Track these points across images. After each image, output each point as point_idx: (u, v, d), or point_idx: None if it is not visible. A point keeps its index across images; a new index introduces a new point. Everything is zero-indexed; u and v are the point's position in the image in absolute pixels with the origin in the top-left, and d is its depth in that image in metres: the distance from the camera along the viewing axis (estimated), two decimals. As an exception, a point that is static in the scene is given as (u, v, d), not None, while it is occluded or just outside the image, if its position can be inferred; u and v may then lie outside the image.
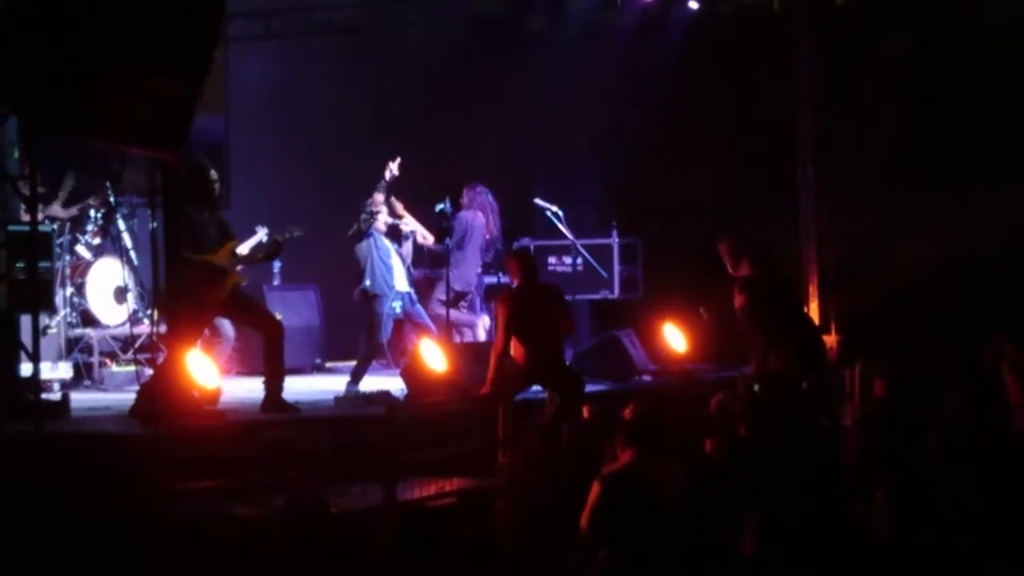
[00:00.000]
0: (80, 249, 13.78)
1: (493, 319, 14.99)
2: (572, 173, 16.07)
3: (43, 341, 10.93)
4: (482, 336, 14.30)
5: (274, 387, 10.96)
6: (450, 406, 10.96)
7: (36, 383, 9.87)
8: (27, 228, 10.13)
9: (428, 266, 14.81)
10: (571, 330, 11.82)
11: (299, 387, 12.36)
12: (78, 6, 9.13)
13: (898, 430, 8.89)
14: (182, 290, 10.41)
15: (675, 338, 13.82)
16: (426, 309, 13.59)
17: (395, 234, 13.72)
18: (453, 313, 13.62)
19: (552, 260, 15.03)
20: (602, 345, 13.55)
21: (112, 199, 13.90)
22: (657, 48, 16.16)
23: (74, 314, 13.52)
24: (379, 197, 13.09)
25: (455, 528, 8.55)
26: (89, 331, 13.57)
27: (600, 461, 8.56)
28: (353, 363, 12.88)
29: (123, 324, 13.59)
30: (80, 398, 11.65)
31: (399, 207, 13.66)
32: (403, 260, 13.45)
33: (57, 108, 9.30)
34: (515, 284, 11.31)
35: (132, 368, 13.07)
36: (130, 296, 13.64)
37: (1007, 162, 14.52)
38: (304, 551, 7.09)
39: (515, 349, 11.02)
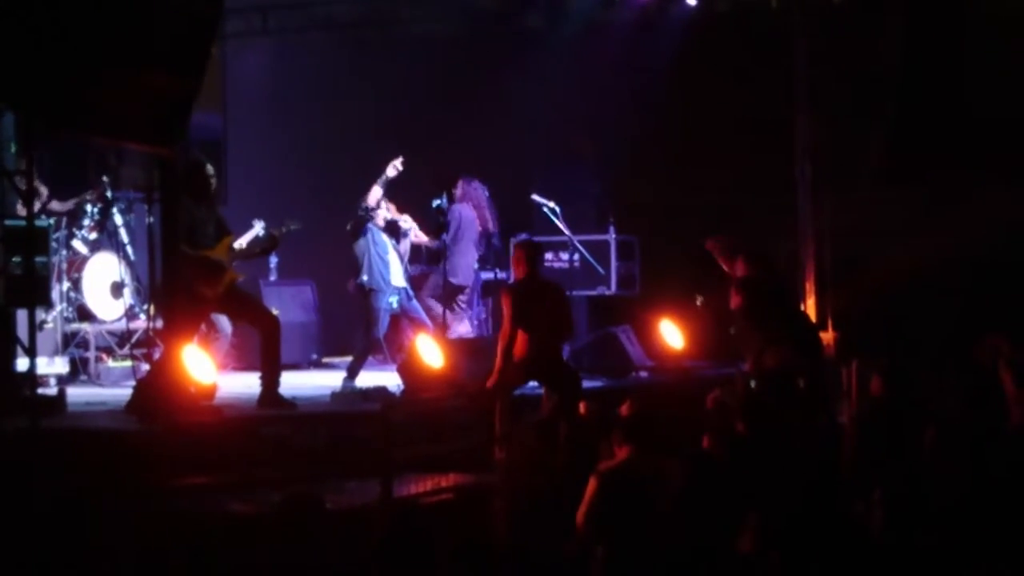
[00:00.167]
0: (77, 244, 13.77)
1: (490, 314, 15.05)
2: (570, 169, 16.07)
3: (39, 336, 10.90)
4: (468, 331, 14.31)
5: (271, 383, 10.96)
6: (446, 402, 10.96)
7: (32, 378, 9.85)
8: (23, 223, 10.11)
9: (425, 262, 14.81)
10: (570, 334, 11.76)
11: (296, 383, 12.36)
12: (76, 1, 9.12)
13: (895, 427, 8.88)
14: (179, 286, 10.39)
15: (672, 335, 13.81)
16: (422, 304, 13.59)
17: (393, 230, 13.71)
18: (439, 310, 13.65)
19: (549, 256, 15.02)
20: (599, 342, 13.56)
21: (109, 194, 13.88)
22: (655, 45, 16.17)
23: (70, 309, 13.51)
24: (377, 191, 13.06)
25: (451, 524, 8.54)
26: (85, 326, 13.55)
27: (597, 458, 8.56)
28: (349, 358, 12.88)
29: (119, 319, 13.57)
30: (76, 393, 11.64)
31: (392, 208, 13.63)
32: (400, 256, 13.44)
33: (54, 103, 9.29)
34: (520, 276, 11.22)
35: (128, 363, 13.07)
36: (127, 291, 13.62)
37: (1004, 160, 14.52)
38: (299, 547, 7.07)
39: (517, 345, 10.97)
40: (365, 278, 12.85)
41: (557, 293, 11.35)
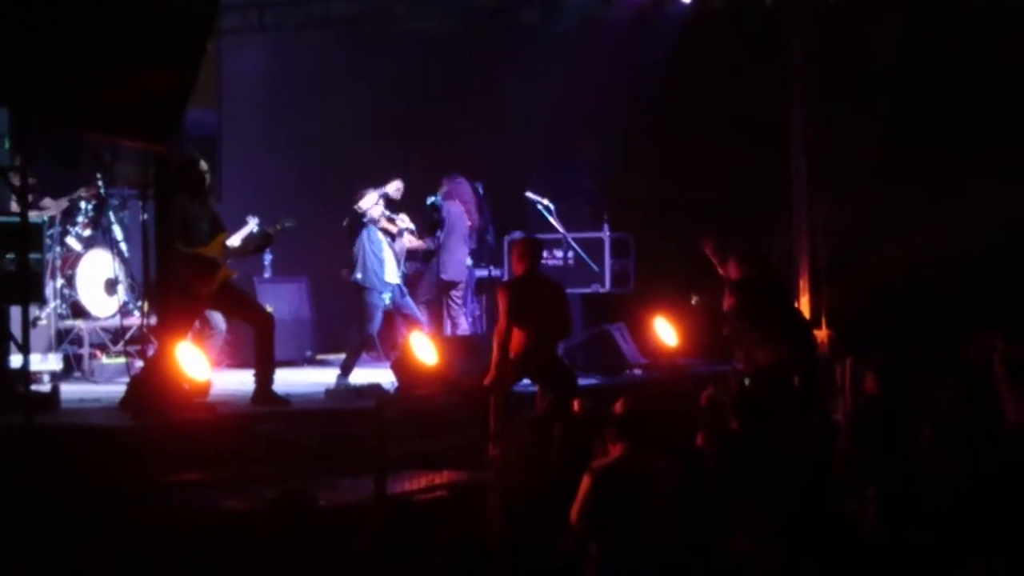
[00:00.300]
0: (71, 241, 13.76)
1: (484, 311, 15.05)
2: (564, 167, 16.06)
3: (33, 333, 10.90)
4: (465, 328, 14.31)
5: (265, 380, 10.96)
6: (440, 399, 10.95)
7: (26, 375, 9.85)
8: (17, 219, 10.10)
9: (421, 260, 14.81)
10: (568, 332, 11.73)
11: (290, 379, 12.36)
12: (70, -2, 9.13)
13: (890, 425, 8.88)
14: (173, 282, 10.38)
15: (666, 332, 13.79)
16: (416, 302, 13.59)
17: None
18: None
19: (543, 254, 15.00)
20: (593, 339, 13.55)
21: (103, 191, 13.87)
22: (650, 42, 16.15)
23: (64, 306, 13.49)
24: (373, 197, 13.03)
25: (445, 521, 8.54)
26: (79, 323, 13.54)
27: (591, 455, 8.55)
28: (343, 355, 12.88)
29: (113, 316, 13.58)
30: (70, 390, 11.63)
31: (390, 220, 13.62)
32: (395, 254, 13.43)
33: (48, 99, 9.28)
34: (519, 272, 11.19)
35: (122, 360, 13.05)
36: (120, 288, 13.62)
37: (999, 158, 14.52)
38: (293, 544, 7.07)
39: (513, 341, 10.95)
40: (359, 276, 12.84)
41: (556, 290, 11.31)
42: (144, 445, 9.17)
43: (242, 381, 11.66)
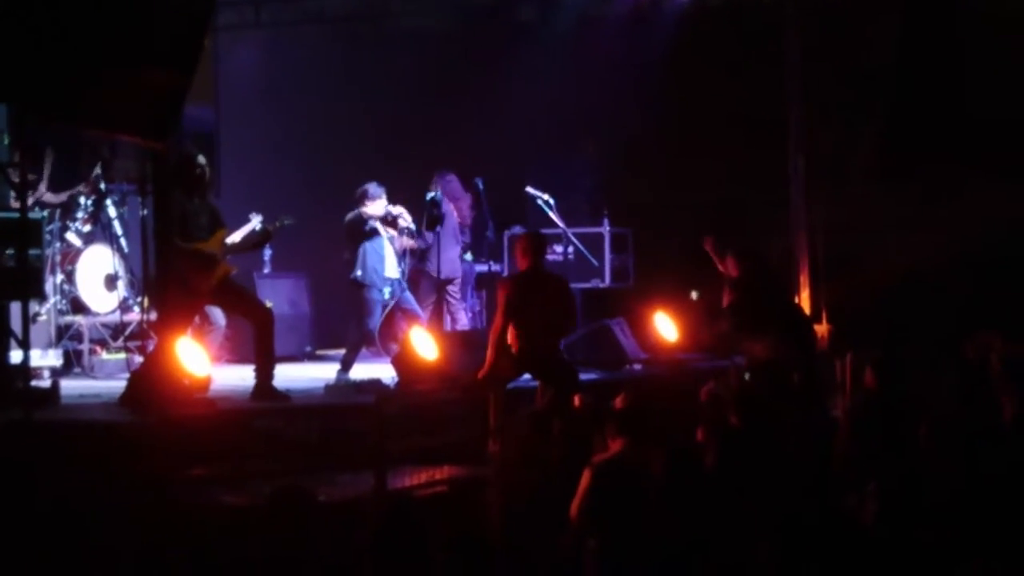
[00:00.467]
0: (70, 236, 13.75)
1: (484, 306, 15.06)
2: (563, 162, 16.06)
3: (33, 329, 10.89)
4: (464, 323, 14.31)
5: (265, 375, 10.96)
6: (440, 395, 10.95)
7: (26, 371, 9.85)
8: (17, 215, 10.10)
9: (418, 260, 14.80)
10: (572, 328, 11.71)
11: (289, 375, 12.37)
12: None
13: (889, 420, 8.89)
14: (172, 278, 10.39)
15: (666, 327, 13.81)
16: (415, 297, 13.60)
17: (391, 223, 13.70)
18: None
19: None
20: (593, 334, 13.55)
21: (102, 186, 13.87)
22: (648, 40, 16.16)
23: (64, 301, 13.49)
24: (381, 207, 13.00)
25: (445, 517, 8.54)
26: (79, 319, 13.54)
27: (591, 450, 8.55)
28: (343, 351, 12.88)
29: (113, 312, 13.58)
30: (70, 386, 11.64)
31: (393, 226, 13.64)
32: (395, 250, 13.42)
33: (47, 96, 9.28)
34: (522, 267, 11.18)
35: (122, 356, 13.06)
36: (120, 284, 13.63)
37: (998, 157, 14.53)
38: (292, 539, 7.08)
39: (511, 336, 10.94)
40: (359, 273, 12.83)
41: (560, 285, 11.26)
42: (144, 441, 9.18)
43: (242, 377, 11.66)
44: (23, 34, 8.99)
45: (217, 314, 12.92)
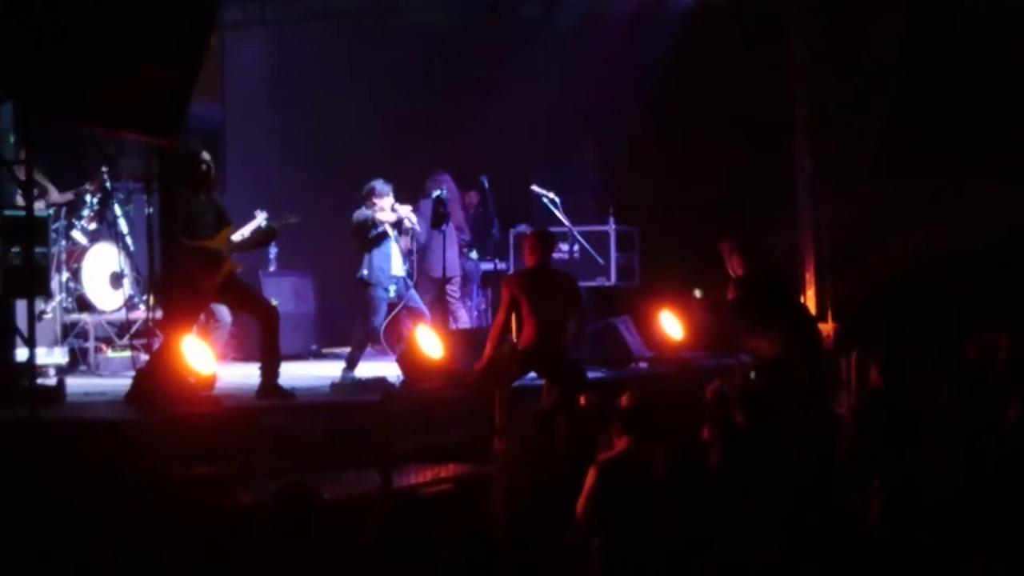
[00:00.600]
0: (76, 234, 13.76)
1: (490, 305, 15.07)
2: (569, 160, 16.06)
3: (39, 327, 10.91)
4: (466, 321, 14.32)
5: (270, 373, 10.95)
6: (446, 393, 10.95)
7: (32, 368, 9.86)
8: (23, 213, 10.11)
9: (418, 259, 14.81)
10: (581, 328, 11.69)
11: (295, 373, 12.36)
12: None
13: (894, 419, 8.88)
14: (177, 276, 10.39)
15: (671, 325, 13.80)
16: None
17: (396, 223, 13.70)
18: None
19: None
20: (598, 332, 13.54)
21: (108, 184, 13.88)
22: (653, 38, 16.16)
23: (70, 299, 13.51)
24: (391, 215, 13.00)
25: (450, 515, 8.54)
26: (85, 317, 13.55)
27: (596, 449, 8.56)
28: (348, 349, 12.88)
29: (119, 310, 13.58)
30: (76, 384, 11.64)
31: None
32: (401, 249, 13.41)
33: (53, 94, 9.29)
34: (529, 265, 11.18)
35: (128, 354, 13.08)
36: (126, 282, 13.63)
37: (1002, 153, 14.53)
38: (298, 537, 7.08)
39: (519, 334, 10.93)
40: (365, 272, 12.83)
41: (567, 284, 11.26)
42: (149, 439, 9.18)
43: (247, 374, 11.66)
44: (26, 32, 9.00)
45: (222, 312, 12.92)
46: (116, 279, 13.62)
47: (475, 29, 16.75)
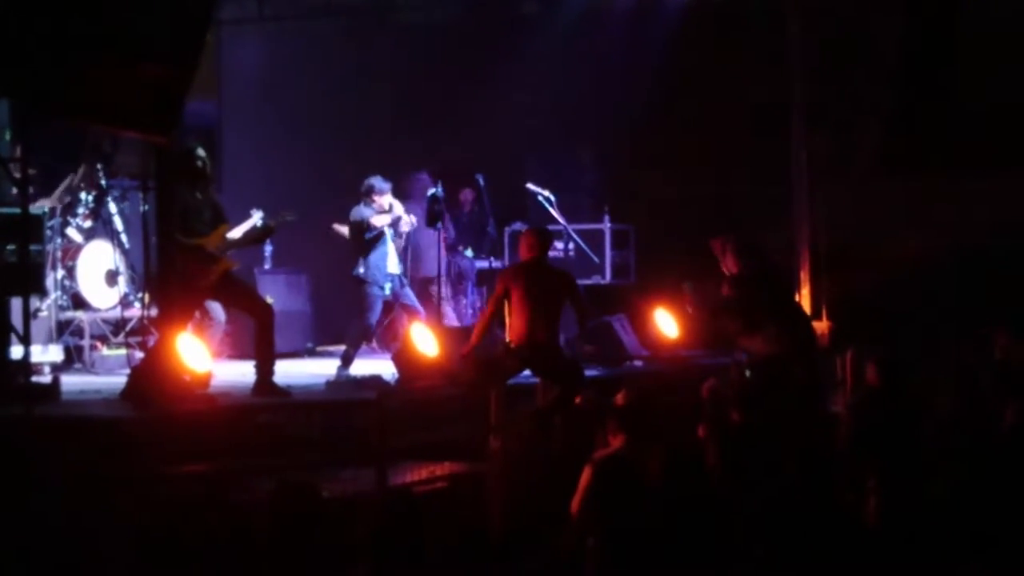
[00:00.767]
0: (71, 232, 13.73)
1: (485, 302, 15.05)
2: (565, 158, 16.06)
3: (34, 324, 10.89)
4: (452, 319, 14.32)
5: (265, 371, 10.95)
6: (441, 391, 10.95)
7: (26, 366, 9.85)
8: (18, 211, 10.09)
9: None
10: (583, 323, 11.67)
11: (290, 371, 12.36)
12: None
13: (890, 417, 8.88)
14: (173, 274, 10.38)
15: (667, 324, 13.79)
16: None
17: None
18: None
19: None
20: (594, 330, 13.53)
21: (103, 182, 13.86)
22: (651, 34, 16.15)
23: (65, 297, 13.48)
24: (386, 219, 12.99)
25: (445, 512, 8.55)
26: (80, 314, 13.53)
27: (592, 447, 8.56)
28: (344, 347, 12.87)
29: (114, 307, 13.55)
30: (71, 381, 11.62)
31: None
32: (397, 247, 13.40)
33: (49, 91, 9.27)
34: (524, 260, 11.17)
35: (123, 351, 13.04)
36: (121, 279, 13.61)
37: (1001, 150, 14.53)
38: (294, 535, 7.09)
39: (511, 329, 10.92)
40: (361, 271, 12.82)
41: (563, 279, 11.24)
42: (145, 436, 9.18)
43: (243, 372, 11.65)
44: (23, 29, 8.99)
45: (218, 310, 12.89)
46: (111, 277, 13.60)
47: (473, 26, 16.74)
